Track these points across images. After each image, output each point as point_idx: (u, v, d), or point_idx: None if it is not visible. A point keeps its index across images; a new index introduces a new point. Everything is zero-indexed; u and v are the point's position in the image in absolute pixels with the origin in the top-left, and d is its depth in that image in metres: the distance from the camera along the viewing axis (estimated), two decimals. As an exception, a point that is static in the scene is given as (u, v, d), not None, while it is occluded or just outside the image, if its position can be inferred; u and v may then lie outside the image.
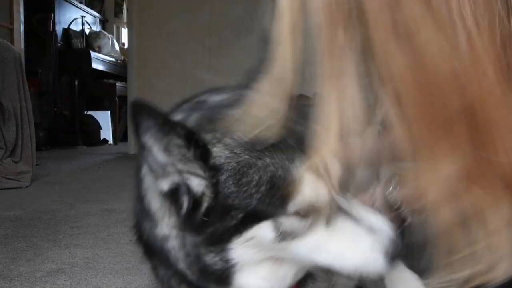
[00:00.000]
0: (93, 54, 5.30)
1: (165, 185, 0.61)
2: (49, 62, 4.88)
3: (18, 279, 1.41)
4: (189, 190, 0.61)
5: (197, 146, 0.59)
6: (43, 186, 2.90)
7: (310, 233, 0.64)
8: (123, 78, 5.31)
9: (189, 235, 0.65)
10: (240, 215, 0.62)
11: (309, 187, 0.62)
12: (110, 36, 5.93)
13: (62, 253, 1.64)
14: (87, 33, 5.70)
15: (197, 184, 0.61)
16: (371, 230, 0.64)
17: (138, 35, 4.33)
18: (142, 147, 0.60)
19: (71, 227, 1.97)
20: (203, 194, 0.61)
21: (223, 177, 0.61)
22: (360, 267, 0.63)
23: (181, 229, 0.65)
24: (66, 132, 5.21)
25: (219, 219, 0.62)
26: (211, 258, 0.64)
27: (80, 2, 5.80)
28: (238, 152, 0.62)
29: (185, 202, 0.61)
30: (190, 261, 0.66)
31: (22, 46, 4.12)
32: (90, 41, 5.64)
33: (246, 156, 0.63)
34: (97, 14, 6.19)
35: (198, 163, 0.60)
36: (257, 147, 0.63)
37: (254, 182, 0.62)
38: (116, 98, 5.46)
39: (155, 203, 0.65)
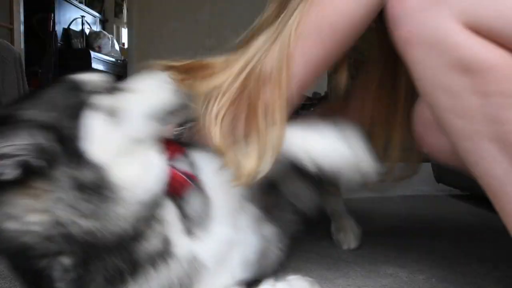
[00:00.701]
0: (93, 54, 5.30)
1: None
2: (49, 62, 4.88)
3: (18, 279, 1.41)
4: None
5: None
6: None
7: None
8: (123, 78, 5.29)
9: None
10: None
11: None
12: (110, 36, 5.93)
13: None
14: (87, 33, 5.69)
15: None
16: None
17: (138, 35, 4.32)
18: None
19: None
20: None
21: None
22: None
23: None
24: (66, 132, 5.19)
25: None
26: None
27: (80, 2, 5.79)
28: None
29: None
30: None
31: (22, 46, 4.12)
32: (90, 41, 5.64)
33: None
34: (97, 14, 6.19)
35: None
36: None
37: None
38: (116, 98, 5.45)
39: None
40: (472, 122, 0.66)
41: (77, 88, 0.73)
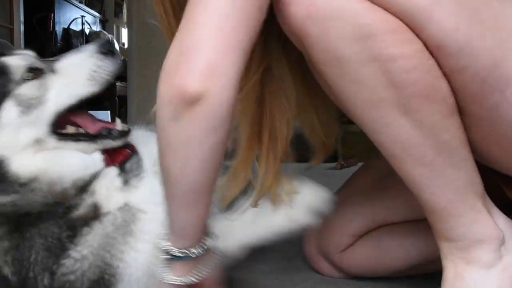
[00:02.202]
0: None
1: None
2: (49, 62, 4.87)
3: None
4: None
5: None
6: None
7: None
8: (123, 78, 5.30)
9: None
10: None
11: None
12: (110, 36, 5.93)
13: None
14: (87, 33, 5.69)
15: None
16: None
17: (138, 35, 4.32)
18: None
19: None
20: None
21: None
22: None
23: None
24: (66, 132, 5.19)
25: None
26: None
27: (80, 2, 5.79)
28: None
29: None
30: None
31: (22, 46, 4.12)
32: (90, 41, 5.63)
33: None
34: (97, 14, 6.19)
35: None
36: None
37: None
38: (116, 98, 5.46)
39: None
40: (375, 90, 0.70)
41: (4, 73, 0.84)
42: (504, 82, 0.70)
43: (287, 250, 1.30)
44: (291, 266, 1.17)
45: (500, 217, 0.79)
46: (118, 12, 6.61)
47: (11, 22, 4.09)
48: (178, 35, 0.68)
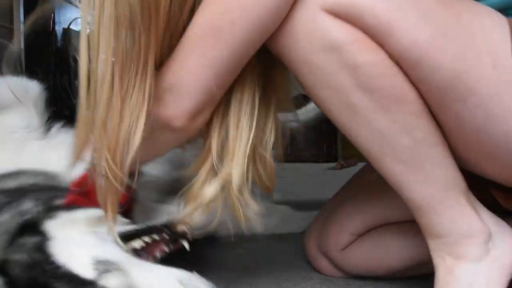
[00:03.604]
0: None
1: None
2: (49, 62, 4.88)
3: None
4: None
5: None
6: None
7: None
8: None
9: None
10: None
11: None
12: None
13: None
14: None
15: None
16: None
17: (138, 35, 4.31)
18: None
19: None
20: None
21: None
22: None
23: None
24: (66, 132, 5.20)
25: None
26: None
27: (80, 2, 5.79)
28: None
29: None
30: None
31: (22, 46, 4.11)
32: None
33: None
34: (97, 14, 6.19)
35: None
36: None
37: None
38: (116, 98, 5.46)
39: None
40: (347, 95, 0.75)
41: None
42: (466, 93, 0.72)
43: (287, 250, 1.31)
44: (291, 266, 1.17)
45: (485, 214, 0.81)
46: (118, 12, 6.60)
47: (11, 22, 4.09)
48: (171, 68, 0.77)
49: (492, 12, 0.76)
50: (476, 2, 0.78)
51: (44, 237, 0.76)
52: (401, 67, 0.74)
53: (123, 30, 0.73)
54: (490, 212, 0.82)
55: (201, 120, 0.79)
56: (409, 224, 0.96)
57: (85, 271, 0.72)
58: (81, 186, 0.83)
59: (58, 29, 5.19)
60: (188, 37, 0.76)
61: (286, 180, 2.92)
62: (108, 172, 0.75)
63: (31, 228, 0.77)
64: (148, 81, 0.75)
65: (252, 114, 0.84)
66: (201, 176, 0.84)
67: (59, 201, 0.82)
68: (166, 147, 0.86)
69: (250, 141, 0.83)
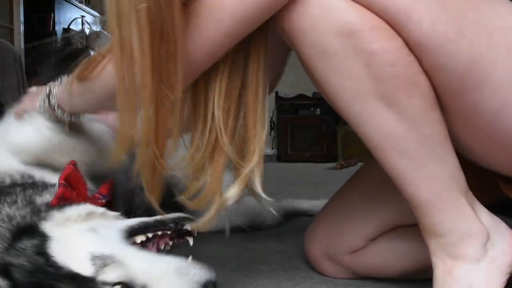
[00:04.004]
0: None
1: None
2: (49, 62, 4.88)
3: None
4: None
5: None
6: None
7: None
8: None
9: None
10: None
11: None
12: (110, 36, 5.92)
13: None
14: (87, 33, 5.69)
15: None
16: None
17: (138, 35, 4.31)
18: None
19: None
20: None
21: None
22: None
23: None
24: (66, 132, 5.19)
25: None
26: None
27: (80, 2, 5.79)
28: None
29: None
30: None
31: (22, 46, 4.12)
32: (90, 41, 5.64)
33: None
34: (97, 14, 6.19)
35: None
36: None
37: None
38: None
39: None
40: (360, 83, 0.74)
41: None
42: (483, 80, 0.73)
43: (287, 250, 1.30)
44: (291, 266, 1.17)
45: (484, 213, 0.81)
46: (118, 12, 6.60)
47: (11, 22, 4.09)
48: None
49: (509, 2, 0.78)
50: None
51: (43, 239, 0.76)
52: (417, 56, 0.73)
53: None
54: (488, 212, 0.82)
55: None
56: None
57: (84, 268, 0.72)
58: (68, 179, 0.84)
59: (58, 29, 5.20)
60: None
61: (286, 180, 2.93)
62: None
63: (28, 230, 0.77)
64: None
65: (264, 109, 0.84)
66: (216, 177, 0.83)
67: (46, 198, 0.82)
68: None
69: (265, 138, 0.84)
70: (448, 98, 0.76)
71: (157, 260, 0.76)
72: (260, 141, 0.83)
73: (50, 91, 0.92)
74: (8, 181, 0.87)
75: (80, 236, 0.77)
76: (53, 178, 0.88)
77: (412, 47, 0.73)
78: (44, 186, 0.85)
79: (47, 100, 0.92)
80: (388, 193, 0.97)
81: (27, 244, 0.74)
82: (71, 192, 0.83)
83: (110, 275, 0.71)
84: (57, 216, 0.79)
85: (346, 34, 0.72)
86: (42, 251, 0.74)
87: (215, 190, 0.82)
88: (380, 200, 1.03)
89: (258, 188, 0.83)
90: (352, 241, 1.05)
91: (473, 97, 0.74)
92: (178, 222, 0.83)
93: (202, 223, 0.83)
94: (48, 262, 0.73)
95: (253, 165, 0.82)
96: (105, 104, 0.88)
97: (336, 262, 1.08)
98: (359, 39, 0.72)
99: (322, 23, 0.73)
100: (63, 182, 0.82)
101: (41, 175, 0.88)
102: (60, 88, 0.93)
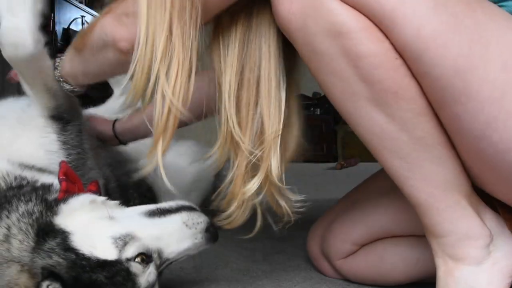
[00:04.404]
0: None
1: None
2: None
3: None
4: None
5: None
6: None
7: None
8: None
9: None
10: None
11: None
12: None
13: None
14: (87, 33, 5.69)
15: None
16: None
17: (138, 35, 4.31)
18: None
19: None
20: None
21: None
22: None
23: None
24: (66, 132, 5.19)
25: None
26: None
27: (80, 2, 5.79)
28: None
29: None
30: None
31: (22, 46, 4.11)
32: (90, 41, 5.63)
33: None
34: (97, 14, 6.17)
35: None
36: None
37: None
38: (116, 98, 5.45)
39: None
40: (349, 84, 0.74)
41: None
42: (468, 93, 0.69)
43: (287, 250, 1.30)
44: (291, 266, 1.17)
45: (488, 216, 0.80)
46: (118, 12, 6.60)
47: (11, 22, 4.07)
48: None
49: (511, 16, 0.72)
50: (495, 5, 0.74)
51: (63, 235, 0.78)
52: (405, 60, 0.72)
53: None
54: (495, 214, 0.81)
55: None
56: (416, 238, 0.95)
57: (109, 253, 0.77)
58: (66, 174, 0.87)
59: (58, 29, 5.20)
60: None
61: (286, 180, 2.92)
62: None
63: (48, 229, 0.79)
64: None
65: (280, 99, 0.85)
66: (240, 172, 0.85)
67: (53, 195, 0.85)
68: (108, 67, 0.89)
69: (281, 128, 0.84)
70: (434, 107, 0.73)
71: (165, 222, 0.84)
72: (275, 133, 0.83)
73: (57, 65, 0.97)
74: (14, 182, 0.89)
75: (94, 223, 0.81)
76: (47, 179, 0.90)
77: (398, 51, 0.71)
78: (47, 186, 0.88)
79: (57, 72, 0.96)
80: (386, 200, 0.97)
81: (52, 244, 0.77)
82: (73, 186, 0.86)
83: (130, 250, 0.77)
84: (64, 208, 0.82)
85: (335, 35, 0.72)
86: (68, 247, 0.76)
87: (239, 185, 0.84)
88: (375, 206, 1.03)
89: (275, 178, 0.84)
90: (341, 244, 1.04)
91: (456, 109, 0.70)
92: (179, 208, 0.87)
93: (223, 219, 0.88)
94: (78, 256, 0.76)
95: (270, 158, 0.83)
96: (106, 69, 0.91)
97: (331, 265, 1.08)
98: (347, 40, 0.71)
99: (312, 23, 0.73)
100: (63, 177, 0.86)
101: (32, 175, 0.91)
102: (62, 62, 0.96)
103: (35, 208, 0.81)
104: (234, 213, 0.86)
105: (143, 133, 1.16)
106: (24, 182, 0.88)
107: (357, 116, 0.77)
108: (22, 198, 0.83)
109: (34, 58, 0.91)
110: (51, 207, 0.82)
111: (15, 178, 0.89)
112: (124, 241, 0.78)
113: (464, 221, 0.77)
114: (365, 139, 0.78)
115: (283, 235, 1.44)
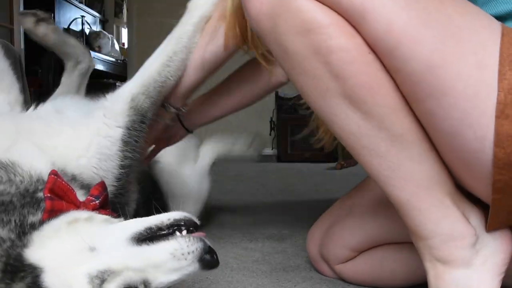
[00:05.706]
0: (93, 54, 5.30)
1: None
2: (49, 62, 4.87)
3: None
4: None
5: None
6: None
7: None
8: (123, 78, 5.30)
9: None
10: None
11: None
12: (110, 36, 5.92)
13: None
14: (87, 33, 5.69)
15: None
16: None
17: (138, 35, 4.33)
18: None
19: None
20: None
21: None
22: None
23: None
24: (66, 132, 5.19)
25: None
26: None
27: (80, 2, 5.79)
28: None
29: None
30: None
31: (22, 46, 4.12)
32: (90, 41, 5.63)
33: None
34: (97, 14, 6.18)
35: None
36: None
37: None
38: (116, 98, 5.45)
39: None
40: (322, 81, 0.72)
41: None
42: (440, 89, 0.67)
43: (287, 250, 1.30)
44: (291, 266, 1.17)
45: (473, 214, 0.76)
46: (118, 12, 6.61)
47: (11, 22, 4.09)
48: None
49: (486, 14, 0.71)
50: (471, 3, 0.72)
51: (34, 274, 0.67)
52: (377, 55, 0.69)
53: None
54: (480, 213, 0.77)
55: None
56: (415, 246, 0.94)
57: None
58: (53, 190, 0.76)
59: (58, 29, 5.20)
60: None
61: (286, 180, 2.92)
62: None
63: (15, 266, 0.67)
64: None
65: None
66: None
67: (36, 217, 0.74)
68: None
69: None
70: (409, 102, 0.71)
71: (152, 251, 0.71)
72: None
73: None
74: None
75: (71, 259, 0.70)
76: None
77: (370, 46, 0.69)
78: (38, 201, 0.76)
79: None
80: (384, 207, 0.94)
81: (21, 286, 0.66)
82: (59, 203, 0.76)
83: (110, 287, 0.68)
84: (36, 237, 0.70)
85: (305, 31, 0.70)
86: None
87: None
88: (374, 213, 1.01)
89: None
90: (339, 250, 1.04)
91: (429, 105, 0.68)
92: (187, 222, 0.75)
93: (316, 141, 1.09)
94: None
95: None
96: None
97: (331, 268, 1.08)
98: (317, 36, 0.70)
99: (283, 23, 0.72)
100: (48, 195, 0.75)
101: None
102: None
103: (10, 234, 0.70)
104: (324, 138, 0.99)
105: (210, 114, 1.22)
106: (31, 189, 0.77)
107: (332, 114, 0.74)
108: (3, 217, 0.71)
109: None
110: (25, 233, 0.70)
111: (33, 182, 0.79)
112: (101, 279, 0.68)
113: (447, 221, 0.74)
114: (342, 138, 0.76)
115: (283, 235, 1.44)
